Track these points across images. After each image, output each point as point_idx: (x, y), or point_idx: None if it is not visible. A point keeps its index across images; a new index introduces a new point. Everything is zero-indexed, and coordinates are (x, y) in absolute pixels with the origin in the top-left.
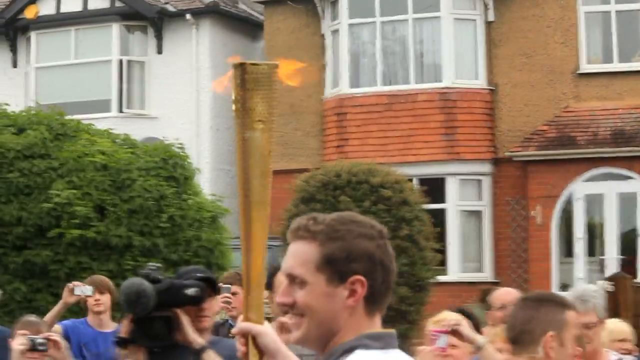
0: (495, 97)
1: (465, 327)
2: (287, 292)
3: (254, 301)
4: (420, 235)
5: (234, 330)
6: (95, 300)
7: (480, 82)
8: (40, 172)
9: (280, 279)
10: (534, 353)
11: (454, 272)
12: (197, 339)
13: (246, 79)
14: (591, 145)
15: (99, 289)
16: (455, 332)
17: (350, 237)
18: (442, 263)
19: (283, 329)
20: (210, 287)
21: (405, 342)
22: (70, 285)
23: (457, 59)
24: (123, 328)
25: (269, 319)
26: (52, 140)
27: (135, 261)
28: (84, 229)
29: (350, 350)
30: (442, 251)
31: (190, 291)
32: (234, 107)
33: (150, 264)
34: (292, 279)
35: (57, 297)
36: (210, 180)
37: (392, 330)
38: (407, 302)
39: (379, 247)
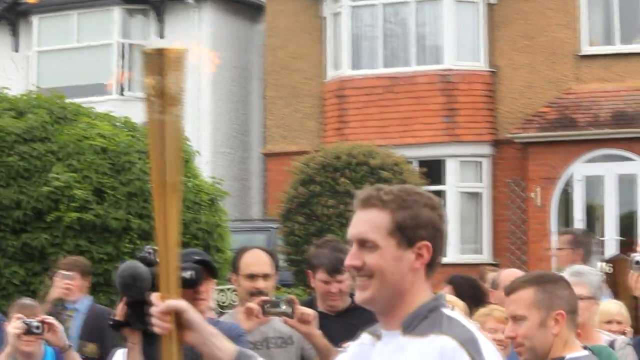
0: (496, 79)
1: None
2: (357, 256)
3: (170, 280)
4: None
5: (159, 309)
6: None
7: (481, 64)
8: (39, 156)
9: (249, 261)
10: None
11: (453, 253)
12: None
13: (157, 63)
14: (591, 127)
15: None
16: None
17: (417, 206)
18: None
19: (250, 313)
20: (207, 270)
21: None
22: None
23: (458, 41)
24: (118, 311)
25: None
26: (52, 124)
27: (133, 244)
28: (83, 212)
29: (435, 309)
30: None
31: (187, 274)
32: (145, 91)
33: (147, 246)
34: (363, 243)
35: None
36: (209, 162)
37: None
38: None
39: (440, 217)
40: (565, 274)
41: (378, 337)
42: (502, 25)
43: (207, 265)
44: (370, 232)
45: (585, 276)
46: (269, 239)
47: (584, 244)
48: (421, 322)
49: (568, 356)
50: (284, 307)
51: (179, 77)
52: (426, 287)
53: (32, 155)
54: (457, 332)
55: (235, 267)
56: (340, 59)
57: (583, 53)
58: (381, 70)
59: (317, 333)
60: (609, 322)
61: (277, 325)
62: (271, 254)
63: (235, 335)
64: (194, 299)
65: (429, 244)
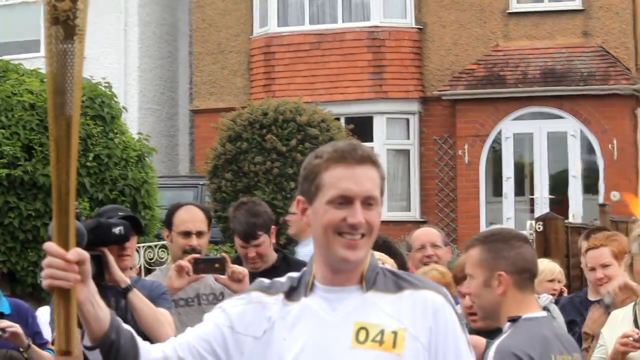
0: (424, 36)
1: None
2: (362, 214)
3: (70, 230)
4: None
5: (70, 257)
6: None
7: (408, 20)
8: None
9: (184, 217)
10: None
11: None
12: (124, 278)
13: None
14: (520, 84)
15: None
16: None
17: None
18: None
19: (181, 271)
20: (133, 226)
21: None
22: None
23: None
24: None
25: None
26: None
27: None
28: (12, 168)
29: (377, 266)
30: None
31: (117, 230)
32: (47, 17)
33: (46, 204)
34: (367, 200)
35: None
36: (137, 119)
37: None
38: None
39: None
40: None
41: (290, 295)
42: None
43: (133, 222)
44: (374, 189)
45: None
46: (197, 195)
47: None
48: (376, 277)
49: (524, 316)
50: (215, 265)
51: (83, 5)
52: None
53: None
54: (433, 286)
55: (168, 223)
56: (267, 16)
57: (512, 10)
58: (308, 27)
59: None
60: (551, 280)
61: (209, 281)
62: (205, 211)
63: (158, 294)
64: (119, 255)
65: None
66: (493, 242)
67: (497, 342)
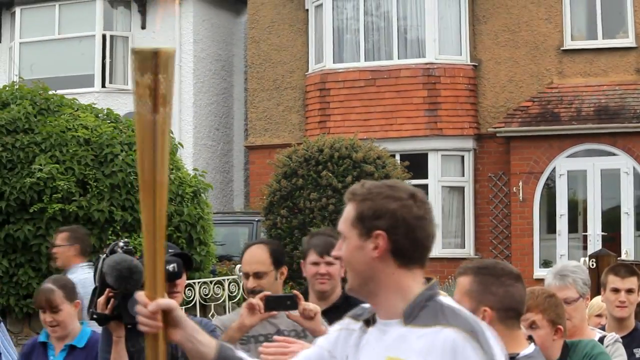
0: (479, 73)
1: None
2: (338, 247)
3: (158, 278)
4: None
5: (151, 309)
6: None
7: (463, 57)
8: (23, 147)
9: (245, 259)
10: None
11: (436, 248)
12: None
13: (148, 62)
14: (574, 121)
15: None
16: None
17: (379, 198)
18: None
19: (252, 309)
20: (185, 263)
21: None
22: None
23: (441, 35)
24: (101, 304)
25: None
26: (36, 115)
27: (116, 236)
28: (66, 203)
29: (431, 298)
30: None
31: (170, 267)
32: (134, 90)
33: (121, 241)
34: (340, 235)
35: (39, 272)
36: (192, 155)
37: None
38: None
39: (404, 207)
40: (549, 276)
41: (368, 323)
42: (485, 19)
43: (185, 259)
44: (342, 224)
45: (569, 277)
46: (252, 232)
47: (80, 239)
48: (421, 311)
49: (522, 354)
50: (287, 302)
51: (169, 77)
52: (410, 275)
53: (15, 147)
54: (463, 322)
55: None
56: (323, 52)
57: (566, 47)
58: (363, 64)
59: (322, 329)
60: (599, 315)
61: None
62: (270, 249)
63: (208, 331)
64: (169, 292)
65: (383, 233)
66: (485, 275)
67: None
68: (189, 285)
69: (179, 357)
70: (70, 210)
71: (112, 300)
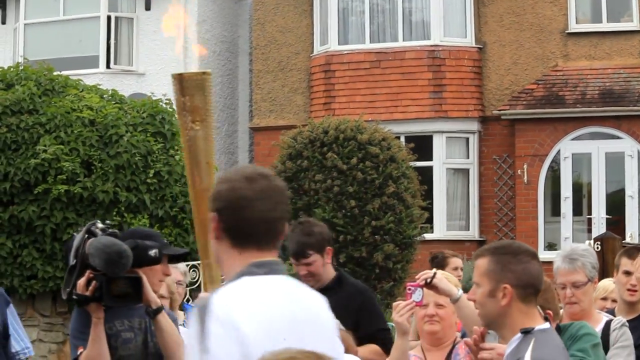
0: (484, 55)
1: (441, 279)
2: None
3: (214, 273)
4: (407, 193)
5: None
6: None
7: (468, 40)
8: (27, 128)
9: None
10: None
11: (440, 230)
12: (156, 299)
13: (184, 86)
14: (579, 104)
15: None
16: (430, 285)
17: (217, 182)
18: (429, 221)
19: None
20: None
21: (390, 300)
22: None
23: (446, 17)
24: (80, 286)
25: None
26: (40, 96)
27: (121, 216)
28: (71, 184)
29: (238, 277)
30: (428, 209)
31: (153, 252)
32: (177, 110)
33: (102, 221)
34: None
35: (43, 252)
36: None
37: (276, 259)
38: (393, 259)
39: (232, 189)
40: (558, 259)
41: None
42: (490, 2)
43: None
44: None
45: (579, 261)
46: None
47: None
48: None
49: (537, 328)
50: None
51: (207, 96)
52: (239, 255)
53: (20, 127)
54: (203, 297)
55: None
56: (328, 34)
57: (571, 30)
58: (369, 45)
59: None
60: (604, 298)
61: None
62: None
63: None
64: (160, 280)
65: (214, 215)
66: (502, 254)
67: (529, 353)
68: (194, 266)
69: (150, 341)
70: (75, 191)
71: (93, 282)
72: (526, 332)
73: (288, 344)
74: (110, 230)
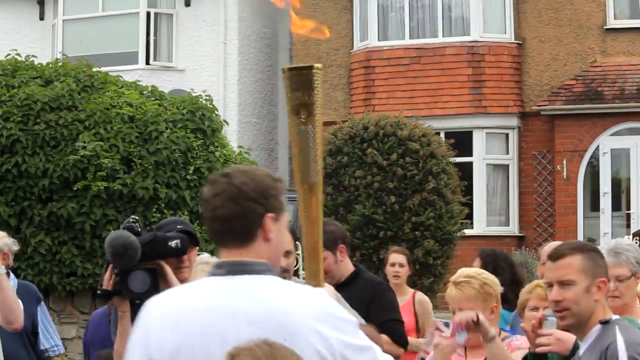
0: (523, 51)
1: (484, 320)
2: None
3: (319, 270)
4: (447, 189)
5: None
6: None
7: (508, 36)
8: (67, 124)
9: None
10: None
11: (480, 225)
12: None
13: (296, 80)
14: (618, 100)
15: None
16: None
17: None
18: (468, 216)
19: None
20: (190, 239)
21: (431, 295)
22: None
23: (485, 13)
24: (105, 280)
25: None
26: (80, 92)
27: (161, 213)
28: (110, 181)
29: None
30: (468, 205)
31: (173, 243)
32: (287, 106)
33: (131, 217)
34: None
35: (82, 249)
36: (237, 132)
37: (237, 259)
38: (433, 255)
39: (204, 191)
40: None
41: None
42: None
43: (190, 235)
44: None
45: (623, 255)
46: (296, 209)
47: None
48: None
49: (613, 318)
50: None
51: (317, 90)
52: (219, 253)
53: (59, 124)
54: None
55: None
56: (368, 30)
57: (609, 26)
58: (408, 42)
59: None
60: None
61: None
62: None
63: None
64: (177, 268)
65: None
66: (589, 251)
67: (619, 338)
68: None
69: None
70: (114, 188)
71: (113, 276)
72: (605, 322)
73: (194, 335)
74: (128, 223)
